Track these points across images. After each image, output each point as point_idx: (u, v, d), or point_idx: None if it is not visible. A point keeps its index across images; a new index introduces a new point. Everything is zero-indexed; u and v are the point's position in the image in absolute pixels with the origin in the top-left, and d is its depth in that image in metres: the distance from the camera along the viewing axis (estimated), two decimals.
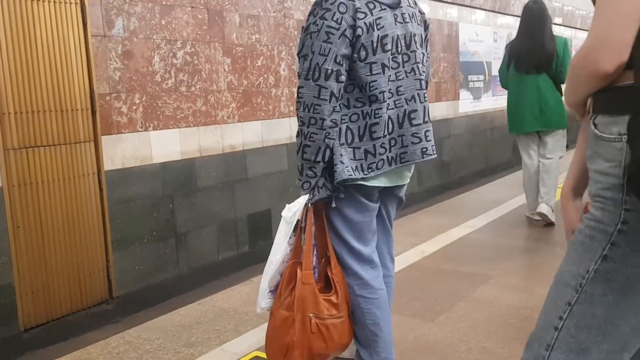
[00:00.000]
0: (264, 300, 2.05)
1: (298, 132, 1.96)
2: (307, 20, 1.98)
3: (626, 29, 1.11)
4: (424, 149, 2.10)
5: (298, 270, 2.00)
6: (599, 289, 1.20)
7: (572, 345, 1.21)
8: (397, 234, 4.38)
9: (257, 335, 2.80)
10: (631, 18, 1.11)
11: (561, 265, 1.28)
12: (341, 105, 1.95)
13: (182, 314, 3.13)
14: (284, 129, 5.11)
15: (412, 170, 2.22)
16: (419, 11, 2.17)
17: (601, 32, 1.13)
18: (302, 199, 1.98)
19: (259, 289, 2.04)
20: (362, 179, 2.01)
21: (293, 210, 1.97)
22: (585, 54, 1.16)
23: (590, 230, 1.21)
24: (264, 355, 2.60)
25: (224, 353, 2.66)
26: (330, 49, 1.88)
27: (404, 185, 2.23)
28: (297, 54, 2.00)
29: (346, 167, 1.96)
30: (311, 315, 1.97)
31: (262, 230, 4.85)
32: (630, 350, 1.24)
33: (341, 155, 1.96)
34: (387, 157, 2.05)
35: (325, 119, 1.90)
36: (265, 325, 2.64)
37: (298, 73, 1.99)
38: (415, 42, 2.09)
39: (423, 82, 2.13)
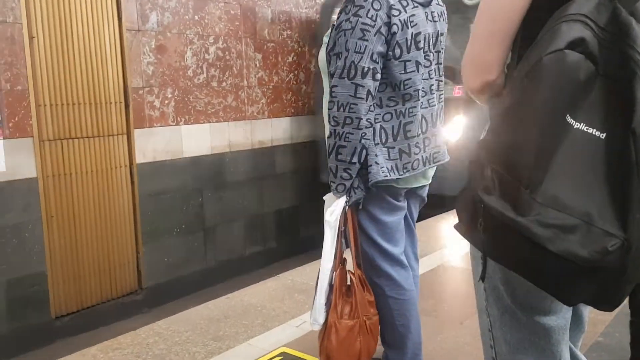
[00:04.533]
0: (322, 316, 2.00)
1: (330, 132, 1.91)
2: (338, 17, 1.95)
3: (489, 49, 1.08)
4: None
5: (350, 276, 2.00)
6: (495, 309, 1.17)
7: None
8: (425, 234, 4.35)
9: (284, 332, 2.81)
10: (495, 38, 1.08)
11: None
12: (374, 105, 1.92)
13: (211, 307, 3.16)
14: (313, 127, 5.11)
15: (434, 169, 2.20)
16: (444, 10, 2.15)
17: (469, 50, 1.12)
18: (341, 202, 1.95)
19: (315, 305, 1.97)
20: (396, 180, 1.99)
21: (336, 215, 1.94)
22: (462, 69, 1.15)
23: (472, 248, 1.19)
24: (290, 351, 2.61)
25: (251, 348, 2.68)
26: (366, 46, 1.85)
27: (427, 184, 2.21)
28: (328, 52, 1.95)
29: (381, 167, 1.94)
30: (364, 317, 1.99)
31: (289, 226, 4.86)
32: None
33: (376, 155, 1.93)
34: (422, 157, 2.04)
35: (361, 118, 1.87)
36: (293, 321, 2.64)
37: (330, 71, 1.95)
38: (441, 41, 2.08)
39: (441, 83, 2.15)
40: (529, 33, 1.05)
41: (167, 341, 2.75)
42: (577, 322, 1.33)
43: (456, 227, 1.12)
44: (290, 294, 3.31)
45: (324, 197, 2.07)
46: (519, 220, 0.90)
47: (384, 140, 1.96)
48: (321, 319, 1.99)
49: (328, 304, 2.00)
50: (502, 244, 0.98)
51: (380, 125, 1.96)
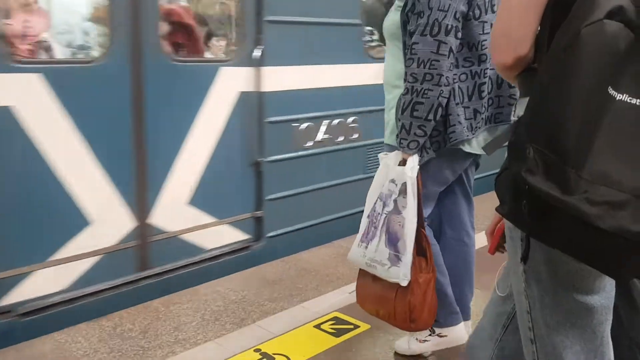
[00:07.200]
0: (409, 271, 2.02)
1: (407, 89, 1.93)
2: None
3: (523, 23, 1.05)
4: None
5: (423, 231, 2.05)
6: (535, 290, 1.14)
7: (550, 357, 1.16)
8: (489, 208, 4.25)
9: (337, 297, 2.85)
10: (529, 11, 1.05)
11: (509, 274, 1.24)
12: (451, 65, 1.94)
13: (266, 269, 3.24)
14: None
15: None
16: None
17: (500, 25, 1.09)
18: (416, 159, 1.96)
19: (404, 262, 1.99)
20: (470, 140, 2.04)
21: (416, 170, 1.96)
22: (491, 45, 1.12)
23: (510, 230, 1.16)
24: (343, 316, 2.65)
25: (305, 310, 2.74)
26: (450, 4, 1.89)
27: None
28: (407, 13, 1.97)
29: (464, 127, 1.97)
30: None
31: None
32: (607, 346, 1.17)
33: (458, 115, 1.96)
34: (485, 116, 2.07)
35: (442, 75, 1.89)
36: (346, 287, 2.67)
37: (410, 31, 1.96)
38: None
39: None
40: (561, 4, 1.00)
41: (224, 299, 2.85)
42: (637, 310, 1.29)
43: (498, 209, 1.11)
44: (343, 260, 3.33)
45: (380, 155, 2.10)
46: (566, 200, 0.89)
47: (461, 100, 2.00)
48: (409, 275, 2.01)
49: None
50: (548, 224, 0.97)
51: (458, 85, 1.99)
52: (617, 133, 0.89)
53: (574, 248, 0.97)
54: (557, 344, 1.14)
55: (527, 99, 1.04)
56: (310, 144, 3.60)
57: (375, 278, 2.10)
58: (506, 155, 1.06)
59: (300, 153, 3.55)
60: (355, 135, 3.86)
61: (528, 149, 0.93)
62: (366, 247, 2.10)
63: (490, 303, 1.42)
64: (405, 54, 1.98)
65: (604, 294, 1.12)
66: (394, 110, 2.06)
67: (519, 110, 1.12)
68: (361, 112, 3.85)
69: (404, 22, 1.98)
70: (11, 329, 2.50)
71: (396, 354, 2.31)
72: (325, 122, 3.66)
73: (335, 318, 2.65)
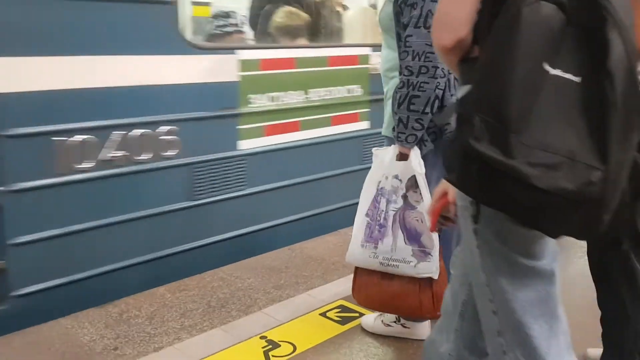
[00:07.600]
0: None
1: (402, 83, 1.91)
2: None
3: (462, 7, 1.13)
4: None
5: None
6: (490, 262, 1.21)
7: (513, 324, 1.21)
8: None
9: (343, 285, 2.86)
10: None
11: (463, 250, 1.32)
12: None
13: (272, 257, 3.25)
14: None
15: None
16: None
17: (441, 9, 1.16)
18: (418, 152, 1.96)
19: (435, 256, 2.03)
20: None
21: (423, 165, 1.97)
22: (432, 29, 1.20)
23: (461, 209, 1.24)
24: (348, 304, 2.65)
25: (310, 298, 2.74)
26: None
27: None
28: (400, 4, 1.94)
29: None
30: None
31: None
32: (561, 309, 1.24)
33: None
34: None
35: (438, 67, 1.87)
36: (352, 275, 2.68)
37: (403, 23, 1.93)
38: None
39: None
40: None
41: (230, 286, 2.86)
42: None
43: (446, 177, 1.20)
44: None
45: (374, 151, 2.08)
46: (509, 163, 0.98)
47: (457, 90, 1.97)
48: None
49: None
50: (494, 187, 1.05)
51: (453, 76, 1.96)
52: (552, 104, 1.00)
53: (515, 209, 1.06)
54: (517, 310, 1.20)
55: (466, 87, 1.10)
56: (88, 165, 2.62)
57: (386, 276, 2.11)
58: (454, 126, 1.13)
59: (69, 178, 2.57)
60: (173, 151, 2.91)
61: (475, 118, 1.01)
62: (375, 247, 2.09)
63: (445, 301, 1.49)
64: (399, 46, 1.95)
65: (550, 259, 1.22)
66: (390, 102, 2.05)
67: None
68: (181, 121, 2.90)
69: (397, 14, 1.95)
70: None
71: (399, 342, 2.32)
72: (117, 133, 2.69)
73: (340, 306, 2.65)
